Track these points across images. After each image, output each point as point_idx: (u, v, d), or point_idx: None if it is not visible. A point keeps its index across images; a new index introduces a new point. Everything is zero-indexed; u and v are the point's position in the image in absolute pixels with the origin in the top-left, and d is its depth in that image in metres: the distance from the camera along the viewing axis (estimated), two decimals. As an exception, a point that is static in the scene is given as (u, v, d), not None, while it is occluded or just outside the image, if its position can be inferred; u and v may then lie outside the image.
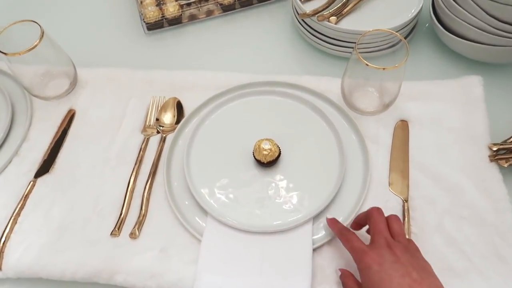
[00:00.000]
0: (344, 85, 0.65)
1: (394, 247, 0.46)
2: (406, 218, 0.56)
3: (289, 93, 0.66)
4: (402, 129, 0.65)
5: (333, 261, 0.54)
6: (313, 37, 0.74)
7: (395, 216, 0.51)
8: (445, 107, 0.65)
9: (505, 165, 0.59)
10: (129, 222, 0.57)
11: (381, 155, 0.62)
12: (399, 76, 0.60)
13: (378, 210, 0.51)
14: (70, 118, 0.68)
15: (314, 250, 0.54)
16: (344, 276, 0.50)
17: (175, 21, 0.79)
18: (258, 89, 0.67)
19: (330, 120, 0.63)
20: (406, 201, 0.58)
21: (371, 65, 0.56)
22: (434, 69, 0.72)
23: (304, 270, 0.52)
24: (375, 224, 0.49)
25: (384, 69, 0.56)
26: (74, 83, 0.70)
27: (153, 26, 0.78)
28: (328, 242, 0.55)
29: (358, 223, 0.53)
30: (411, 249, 0.47)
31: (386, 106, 0.64)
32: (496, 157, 0.60)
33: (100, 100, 0.69)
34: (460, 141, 0.62)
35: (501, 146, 0.60)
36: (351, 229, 0.52)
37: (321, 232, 0.55)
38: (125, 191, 0.60)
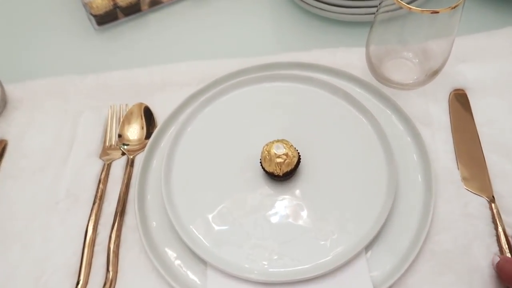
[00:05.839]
0: (370, 54, 0.47)
1: None
2: (499, 226, 0.38)
3: (297, 75, 0.48)
4: (460, 101, 0.47)
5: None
6: (313, 1, 0.56)
7: None
8: (510, 64, 0.48)
9: None
10: (91, 294, 0.38)
11: (440, 140, 0.44)
12: (451, 27, 0.42)
13: None
14: (1, 151, 0.49)
15: (377, 297, 0.35)
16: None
17: (132, 9, 0.61)
18: (254, 75, 0.48)
19: (361, 104, 0.45)
20: (493, 201, 0.39)
21: (415, 8, 0.38)
22: (485, 18, 0.54)
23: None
24: None
25: (437, 12, 0.38)
26: (2, 104, 0.51)
27: (104, 19, 0.60)
28: (397, 282, 0.36)
29: None
30: None
31: (433, 74, 0.46)
32: None
33: (40, 121, 0.50)
34: (545, 104, 0.44)
35: None
36: None
37: (383, 268, 0.37)
38: (81, 246, 0.40)
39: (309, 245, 0.38)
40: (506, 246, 0.37)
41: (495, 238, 0.38)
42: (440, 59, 0.45)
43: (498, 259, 0.35)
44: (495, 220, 0.38)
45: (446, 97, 0.47)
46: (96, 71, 0.54)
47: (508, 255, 0.36)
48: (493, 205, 0.39)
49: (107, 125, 0.49)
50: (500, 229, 0.38)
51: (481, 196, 0.40)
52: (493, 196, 0.40)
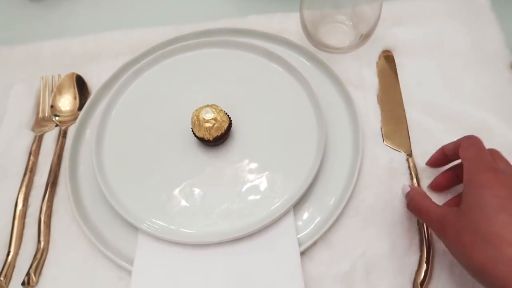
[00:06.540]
0: (304, 19, 0.47)
1: None
2: (414, 180, 0.40)
3: (231, 41, 0.48)
4: (387, 62, 0.48)
5: (334, 264, 0.36)
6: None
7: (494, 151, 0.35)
8: (441, 26, 0.49)
9: (538, 86, 0.43)
10: (21, 264, 0.38)
11: (370, 102, 0.45)
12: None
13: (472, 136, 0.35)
14: None
15: (302, 254, 0.36)
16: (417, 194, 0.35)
17: (68, -23, 0.58)
18: (188, 42, 0.48)
19: (294, 68, 0.45)
20: (410, 155, 0.41)
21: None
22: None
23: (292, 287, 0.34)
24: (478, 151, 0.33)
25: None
26: None
27: (38, -13, 0.58)
28: (322, 237, 0.37)
29: (445, 154, 0.38)
30: None
31: (366, 37, 0.47)
32: (524, 78, 0.44)
33: (-33, 95, 0.48)
34: (471, 65, 0.46)
35: (527, 63, 0.44)
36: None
37: (309, 225, 0.38)
38: (11, 219, 0.40)
39: (241, 207, 0.39)
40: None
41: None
42: (372, 21, 0.46)
43: (409, 188, 0.36)
44: (411, 173, 0.40)
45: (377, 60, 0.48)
46: (27, 42, 0.52)
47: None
48: (410, 159, 0.41)
49: (39, 97, 0.47)
50: (414, 180, 0.40)
51: (399, 151, 0.41)
52: (411, 151, 0.41)
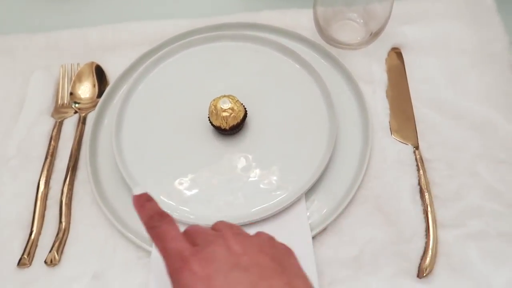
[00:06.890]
0: (317, 16, 0.48)
1: (222, 237, 0.27)
2: (421, 171, 0.41)
3: (246, 35, 0.49)
4: (396, 60, 0.49)
5: (343, 248, 0.38)
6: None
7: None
8: (449, 25, 0.51)
9: (540, 86, 0.45)
10: (44, 244, 0.40)
11: (379, 97, 0.47)
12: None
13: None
14: (-51, 111, 0.48)
15: (313, 238, 0.38)
16: None
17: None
18: (204, 35, 0.49)
19: (306, 62, 0.47)
20: (417, 148, 0.43)
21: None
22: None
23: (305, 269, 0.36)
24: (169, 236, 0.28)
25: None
26: (-51, 63, 0.50)
27: (55, -23, 0.59)
28: (333, 223, 0.39)
29: None
30: (244, 233, 0.29)
31: (375, 35, 0.49)
32: (526, 78, 0.46)
33: (-12, 81, 0.50)
34: (477, 64, 0.48)
35: (530, 63, 0.46)
36: (169, 215, 0.29)
37: (320, 212, 0.40)
38: (34, 200, 0.41)
39: (256, 192, 0.40)
40: (425, 187, 0.40)
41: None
42: (382, 19, 0.47)
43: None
44: (418, 164, 0.42)
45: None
46: (47, 30, 0.53)
47: (427, 195, 0.40)
48: (416, 151, 0.43)
49: (58, 84, 0.49)
50: (421, 172, 0.41)
51: (407, 144, 0.43)
52: (418, 144, 0.43)
